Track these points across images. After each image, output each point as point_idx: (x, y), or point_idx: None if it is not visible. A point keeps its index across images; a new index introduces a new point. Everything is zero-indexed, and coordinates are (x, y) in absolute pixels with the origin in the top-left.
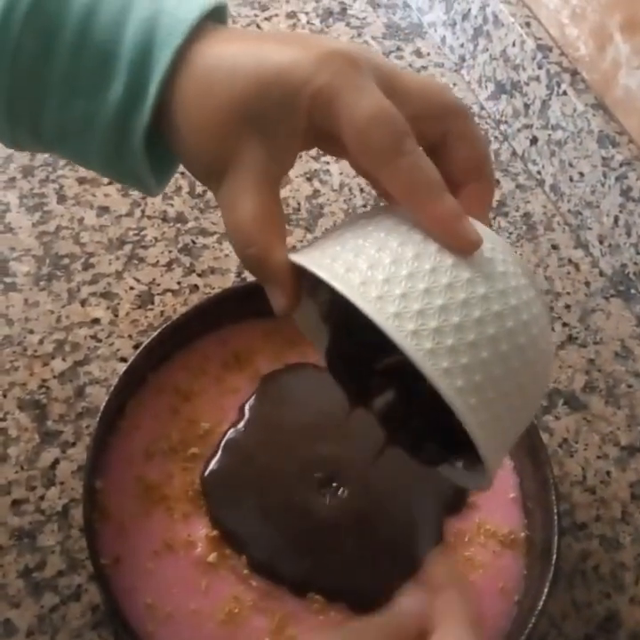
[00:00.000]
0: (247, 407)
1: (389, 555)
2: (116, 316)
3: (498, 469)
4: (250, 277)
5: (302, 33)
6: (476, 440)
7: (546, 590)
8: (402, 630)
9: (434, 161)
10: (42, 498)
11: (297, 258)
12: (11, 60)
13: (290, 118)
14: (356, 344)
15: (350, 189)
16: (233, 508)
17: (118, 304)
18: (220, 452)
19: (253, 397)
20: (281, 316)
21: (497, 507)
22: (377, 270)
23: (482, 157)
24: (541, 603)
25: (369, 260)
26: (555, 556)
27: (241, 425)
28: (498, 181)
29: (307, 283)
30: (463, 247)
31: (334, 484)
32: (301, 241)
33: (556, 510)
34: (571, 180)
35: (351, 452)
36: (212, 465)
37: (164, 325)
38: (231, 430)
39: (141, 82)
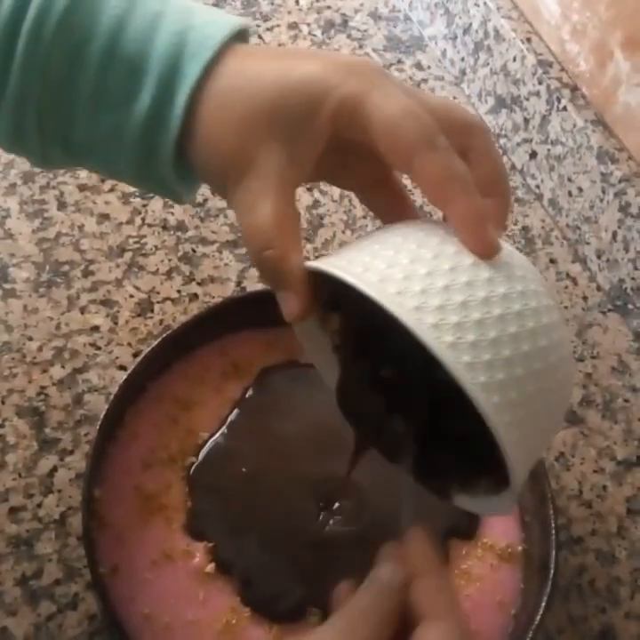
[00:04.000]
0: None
1: None
2: (116, 323)
3: (522, 485)
4: (250, 287)
5: (326, 51)
6: (500, 440)
7: (543, 604)
8: (388, 608)
9: None
10: (39, 505)
11: (312, 263)
12: (41, 72)
13: (313, 124)
14: (370, 376)
15: (350, 200)
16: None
17: (118, 312)
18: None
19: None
20: (292, 322)
21: (495, 520)
22: (395, 269)
23: (501, 174)
24: (538, 617)
25: (387, 260)
26: (552, 571)
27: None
28: None
29: (319, 309)
30: (484, 249)
31: (334, 504)
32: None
33: (553, 525)
34: (569, 194)
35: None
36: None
37: (164, 335)
38: (217, 436)
39: (169, 94)
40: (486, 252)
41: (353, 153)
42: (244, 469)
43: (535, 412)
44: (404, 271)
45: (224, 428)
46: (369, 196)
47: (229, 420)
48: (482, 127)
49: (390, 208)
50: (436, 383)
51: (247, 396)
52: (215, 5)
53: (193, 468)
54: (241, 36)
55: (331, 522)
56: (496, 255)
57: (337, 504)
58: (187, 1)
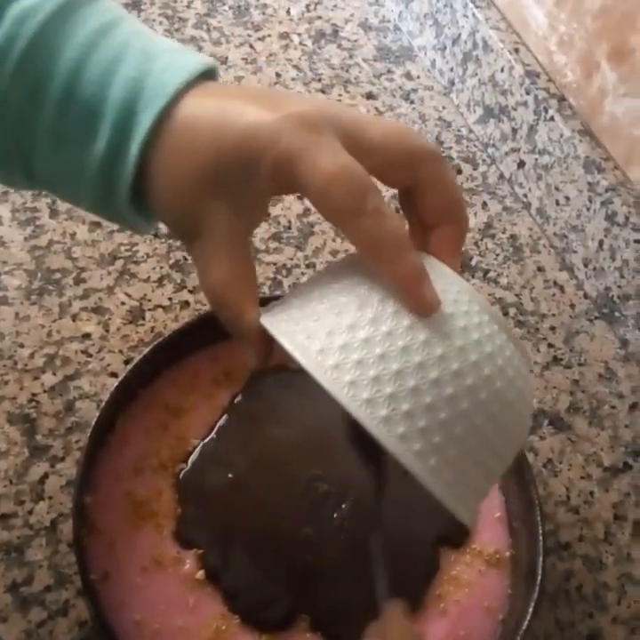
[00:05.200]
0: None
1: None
2: (107, 331)
3: (476, 516)
4: None
5: (275, 91)
6: (441, 498)
7: (531, 610)
8: None
9: (409, 203)
10: (30, 512)
11: (266, 321)
12: (2, 103)
13: (253, 183)
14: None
15: None
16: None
17: (109, 319)
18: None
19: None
20: (254, 370)
21: (483, 526)
22: (335, 336)
23: (453, 202)
24: (526, 622)
25: (328, 325)
26: (540, 576)
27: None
28: (485, 203)
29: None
30: (421, 309)
31: (323, 509)
32: (292, 259)
33: (541, 531)
34: (557, 203)
35: (345, 475)
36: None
37: (156, 342)
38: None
39: (124, 141)
40: (423, 311)
41: None
42: (230, 475)
43: (471, 448)
44: (343, 338)
45: (213, 434)
46: None
47: (218, 425)
48: (429, 155)
49: None
50: None
51: (236, 401)
52: (207, 15)
53: (181, 474)
54: (208, 74)
55: (320, 527)
56: (434, 312)
57: (326, 509)
58: (151, 44)
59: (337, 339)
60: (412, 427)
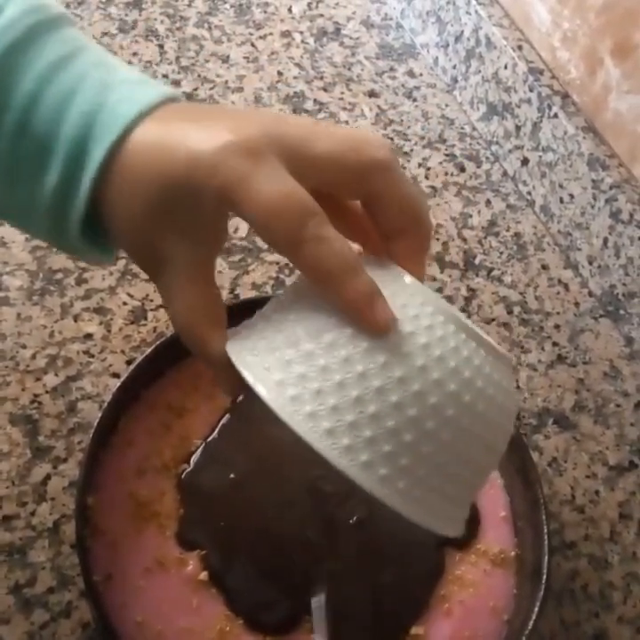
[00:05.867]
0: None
1: (390, 592)
2: (109, 331)
3: (460, 525)
4: (243, 294)
5: (222, 110)
6: (412, 518)
7: (536, 609)
8: None
9: (369, 212)
10: (33, 514)
11: (230, 350)
12: None
13: (202, 215)
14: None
15: None
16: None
17: (111, 319)
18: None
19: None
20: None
21: (488, 526)
22: (294, 366)
23: (409, 212)
24: (532, 622)
25: (287, 354)
26: (545, 576)
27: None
28: (489, 201)
29: None
30: (376, 330)
31: (330, 510)
32: (278, 262)
33: (546, 530)
34: (561, 201)
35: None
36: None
37: (158, 342)
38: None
39: (76, 176)
40: (379, 332)
41: None
42: (233, 476)
43: (441, 464)
44: (302, 368)
45: (215, 434)
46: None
47: (221, 425)
48: (378, 167)
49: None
50: None
51: (238, 400)
52: (209, 14)
53: (184, 474)
54: (171, 99)
55: (324, 527)
56: (389, 332)
57: (330, 509)
58: (109, 75)
59: (295, 368)
60: (376, 453)
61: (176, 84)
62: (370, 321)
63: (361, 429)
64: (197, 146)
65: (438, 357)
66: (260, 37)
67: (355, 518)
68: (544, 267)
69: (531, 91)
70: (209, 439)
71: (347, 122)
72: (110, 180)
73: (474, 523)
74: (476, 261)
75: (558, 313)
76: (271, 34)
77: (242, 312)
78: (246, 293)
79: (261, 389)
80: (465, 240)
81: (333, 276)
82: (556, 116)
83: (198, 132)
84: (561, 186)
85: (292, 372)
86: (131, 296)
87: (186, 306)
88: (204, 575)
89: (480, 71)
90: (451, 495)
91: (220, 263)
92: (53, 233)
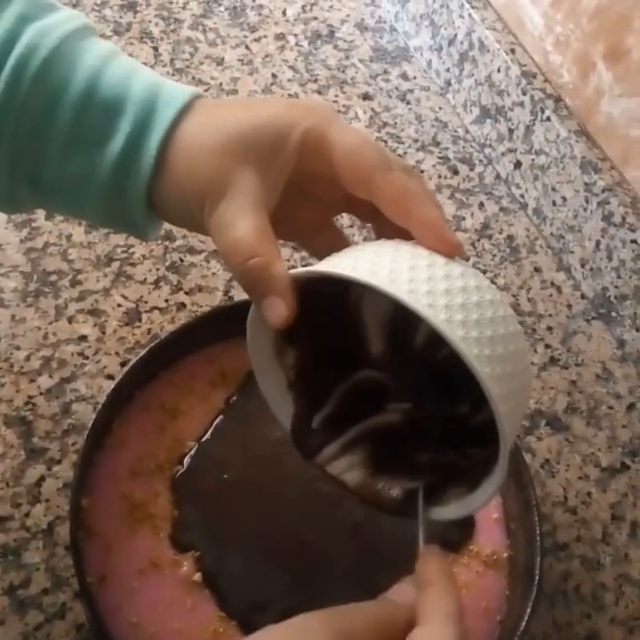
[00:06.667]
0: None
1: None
2: (104, 333)
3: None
4: (237, 296)
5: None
6: (496, 411)
7: (528, 611)
8: (391, 619)
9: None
10: (27, 515)
11: (296, 271)
12: (16, 118)
13: (282, 153)
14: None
15: None
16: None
17: (105, 321)
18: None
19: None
20: (279, 327)
21: (480, 527)
22: (380, 264)
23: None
24: (524, 623)
25: (370, 260)
26: (537, 577)
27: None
28: (482, 204)
29: (277, 340)
30: (450, 249)
31: (325, 510)
32: (289, 260)
33: (538, 531)
34: (553, 204)
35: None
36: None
37: (152, 344)
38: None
39: (144, 134)
40: (452, 250)
41: (300, 202)
42: (226, 477)
43: (522, 385)
44: (389, 266)
45: (208, 435)
46: (311, 241)
47: (214, 426)
48: (382, 171)
49: (333, 248)
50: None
51: (231, 401)
52: (203, 16)
53: (177, 475)
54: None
55: (318, 528)
56: (460, 252)
57: (324, 510)
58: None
59: (383, 265)
60: (482, 334)
61: None
62: (445, 238)
63: (470, 312)
64: (282, 104)
65: (488, 286)
66: (255, 40)
67: (348, 519)
68: (537, 269)
69: (524, 94)
70: (203, 440)
71: None
72: (178, 140)
73: (467, 525)
74: (470, 263)
75: (551, 315)
76: (265, 36)
77: (236, 314)
78: (240, 295)
79: (353, 274)
80: None
81: (416, 199)
82: (548, 119)
83: (275, 100)
84: (553, 189)
85: (380, 267)
86: (125, 298)
87: (251, 226)
88: (198, 576)
89: (473, 74)
90: (517, 410)
91: (215, 265)
92: (111, 201)
